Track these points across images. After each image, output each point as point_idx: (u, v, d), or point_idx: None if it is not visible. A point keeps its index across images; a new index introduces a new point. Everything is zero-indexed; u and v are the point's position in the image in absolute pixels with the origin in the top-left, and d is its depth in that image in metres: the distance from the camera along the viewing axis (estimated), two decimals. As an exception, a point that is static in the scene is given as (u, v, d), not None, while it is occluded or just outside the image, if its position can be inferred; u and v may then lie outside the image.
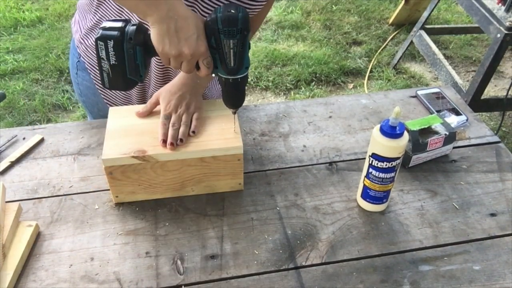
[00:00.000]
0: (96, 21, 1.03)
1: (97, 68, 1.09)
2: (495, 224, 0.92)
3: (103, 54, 0.79)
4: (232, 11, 0.75)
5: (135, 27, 0.78)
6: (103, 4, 1.00)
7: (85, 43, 1.08)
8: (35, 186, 0.97)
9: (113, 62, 0.79)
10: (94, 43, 1.04)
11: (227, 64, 0.79)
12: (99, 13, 1.01)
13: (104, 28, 0.78)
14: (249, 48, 0.80)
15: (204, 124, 0.96)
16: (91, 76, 1.14)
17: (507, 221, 0.92)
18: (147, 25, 0.81)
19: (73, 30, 1.14)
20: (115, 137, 0.91)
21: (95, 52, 1.06)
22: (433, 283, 0.82)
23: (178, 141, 0.89)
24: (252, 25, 1.06)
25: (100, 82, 1.12)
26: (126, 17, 0.97)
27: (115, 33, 0.77)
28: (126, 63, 0.80)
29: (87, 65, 1.12)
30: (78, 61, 1.13)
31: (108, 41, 0.77)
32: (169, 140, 0.89)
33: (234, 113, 0.91)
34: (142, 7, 0.75)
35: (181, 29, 0.75)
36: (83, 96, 1.21)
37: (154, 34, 0.76)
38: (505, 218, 0.93)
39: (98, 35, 0.77)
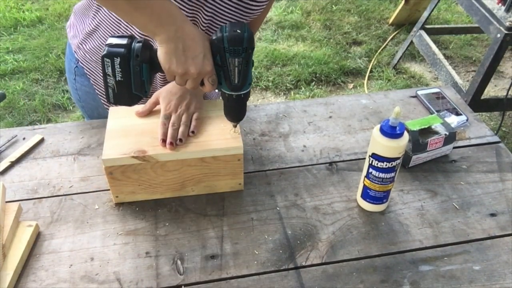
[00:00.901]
0: (95, 26, 1.02)
1: (97, 73, 1.09)
2: (495, 224, 0.92)
3: (109, 70, 0.79)
4: (238, 30, 0.76)
5: (141, 44, 0.78)
6: (102, 9, 0.99)
7: (84, 48, 1.08)
8: (35, 186, 0.97)
9: (119, 79, 0.80)
10: (94, 47, 1.04)
11: (231, 81, 0.81)
12: (98, 18, 1.00)
13: (110, 45, 0.78)
14: (253, 65, 0.81)
15: (204, 124, 0.96)
16: (91, 81, 1.13)
17: (507, 221, 0.92)
18: (152, 41, 0.81)
19: (69, 35, 1.12)
20: (115, 137, 0.91)
21: (95, 56, 1.06)
22: (433, 283, 0.82)
23: (178, 141, 0.90)
24: (253, 26, 1.06)
25: (101, 86, 1.13)
26: (126, 22, 0.97)
27: (121, 50, 0.77)
28: (132, 80, 0.80)
29: (86, 70, 1.11)
30: (76, 66, 1.12)
31: (115, 58, 0.78)
32: (168, 140, 0.89)
33: (235, 126, 0.92)
34: (151, 27, 0.76)
35: (189, 49, 0.76)
36: (82, 102, 1.20)
37: (161, 53, 0.77)
38: (505, 218, 0.93)
39: (105, 52, 0.78)
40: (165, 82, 1.07)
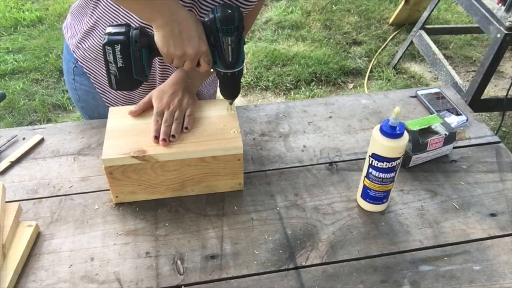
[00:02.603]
0: (93, 23, 1.02)
1: (97, 71, 1.10)
2: (495, 224, 0.92)
3: (110, 58, 0.84)
4: (229, 11, 0.81)
5: (138, 30, 0.83)
6: (99, 6, 1.00)
7: (83, 46, 1.08)
8: (35, 186, 0.97)
9: (120, 65, 0.85)
10: (93, 45, 1.05)
11: (225, 59, 0.86)
12: (96, 15, 1.01)
13: (110, 34, 0.83)
14: (244, 44, 0.87)
15: (204, 124, 0.96)
16: (91, 79, 1.13)
17: (507, 221, 0.92)
18: (149, 28, 0.83)
19: (66, 35, 1.13)
20: (115, 137, 0.91)
21: (95, 53, 1.06)
22: (433, 283, 0.82)
23: (171, 137, 0.90)
24: (245, 24, 1.07)
25: (101, 84, 1.13)
26: (123, 17, 0.98)
27: (121, 37, 0.82)
28: (133, 65, 0.85)
29: (86, 69, 1.11)
30: (75, 66, 1.12)
31: (115, 45, 0.82)
32: (161, 137, 0.89)
33: (231, 103, 0.97)
34: (147, 13, 0.81)
35: (184, 31, 0.81)
36: (81, 102, 1.20)
37: (159, 37, 0.82)
38: (505, 218, 0.93)
39: (105, 40, 0.82)
40: (164, 71, 1.08)
